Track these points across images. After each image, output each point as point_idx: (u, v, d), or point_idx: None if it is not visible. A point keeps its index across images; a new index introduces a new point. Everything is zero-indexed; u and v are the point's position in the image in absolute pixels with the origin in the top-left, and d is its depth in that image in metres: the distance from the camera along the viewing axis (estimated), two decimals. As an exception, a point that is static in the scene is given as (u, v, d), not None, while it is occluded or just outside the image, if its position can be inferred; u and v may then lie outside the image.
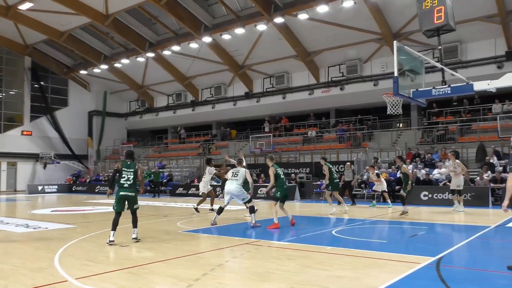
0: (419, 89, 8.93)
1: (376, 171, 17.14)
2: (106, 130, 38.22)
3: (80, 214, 14.73)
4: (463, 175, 14.16)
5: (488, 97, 22.07)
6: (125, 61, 31.36)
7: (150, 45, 29.86)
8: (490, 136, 20.64)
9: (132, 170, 8.28)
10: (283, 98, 29.00)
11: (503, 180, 16.16)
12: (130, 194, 8.24)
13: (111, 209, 14.52)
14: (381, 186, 16.65)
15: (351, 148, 24.61)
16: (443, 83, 8.75)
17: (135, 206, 8.35)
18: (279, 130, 29.96)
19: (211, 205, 14.80)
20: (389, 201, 16.37)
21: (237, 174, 10.80)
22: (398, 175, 19.37)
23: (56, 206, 19.04)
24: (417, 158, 20.53)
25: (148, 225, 10.98)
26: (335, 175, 14.37)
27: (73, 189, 32.00)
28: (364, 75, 25.62)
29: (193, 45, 27.22)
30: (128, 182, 8.22)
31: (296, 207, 17.39)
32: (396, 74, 8.48)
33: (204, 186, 14.68)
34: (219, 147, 31.79)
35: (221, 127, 34.55)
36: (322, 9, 21.64)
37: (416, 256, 6.63)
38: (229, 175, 11.01)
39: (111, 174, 9.21)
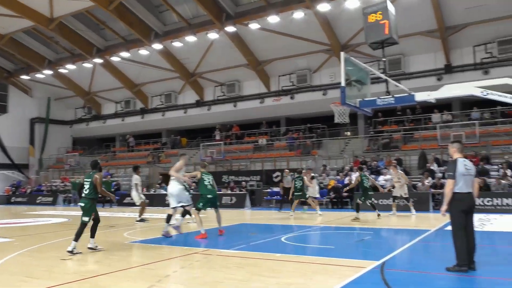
0: (365, 99, 9.27)
1: (312, 174, 17.60)
2: (50, 138, 36.52)
3: (18, 227, 13.91)
4: (406, 184, 15.06)
5: (428, 108, 23.21)
6: (71, 66, 30.30)
7: (98, 50, 29.01)
8: (431, 144, 21.71)
9: (90, 180, 8.14)
10: (234, 106, 29.07)
11: (443, 186, 17.01)
12: (81, 204, 8.15)
13: (53, 220, 13.88)
14: (313, 190, 16.70)
15: (301, 156, 25.01)
16: (387, 94, 9.13)
17: (82, 218, 8.06)
18: (230, 138, 29.97)
19: (139, 215, 14.33)
20: (317, 208, 15.86)
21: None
22: (345, 182, 19.95)
23: (-7, 218, 17.89)
24: (363, 166, 21.15)
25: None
26: (297, 185, 15.12)
27: (12, 201, 30.23)
28: (313, 85, 26.22)
29: (143, 51, 26.77)
30: (85, 192, 8.14)
31: (247, 215, 17.41)
32: (343, 84, 8.76)
33: (136, 195, 14.30)
34: (169, 155, 31.27)
35: (171, 135, 34.03)
36: (273, 19, 21.98)
37: (362, 261, 6.81)
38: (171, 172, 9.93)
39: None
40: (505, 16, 19.92)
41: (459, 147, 6.47)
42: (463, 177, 6.09)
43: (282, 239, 9.59)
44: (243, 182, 23.27)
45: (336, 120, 10.01)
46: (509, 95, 7.67)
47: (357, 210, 13.63)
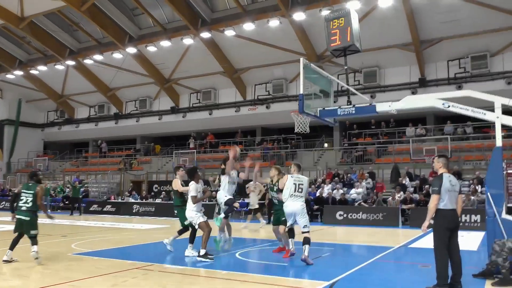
0: (326, 108, 8.88)
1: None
2: (20, 141, 35.31)
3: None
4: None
5: (402, 121, 23.14)
6: (42, 68, 29.38)
7: (71, 52, 28.24)
8: (404, 158, 21.50)
9: (32, 192, 7.71)
10: (210, 114, 28.53)
11: (412, 201, 16.76)
12: (24, 218, 7.64)
13: (8, 227, 13.07)
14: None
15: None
16: (349, 103, 8.77)
17: (31, 232, 7.62)
18: (205, 146, 29.40)
19: None
20: (260, 219, 15.66)
21: (302, 187, 8.00)
22: (317, 195, 19.55)
23: None
24: (336, 178, 20.82)
25: (39, 247, 9.85)
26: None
27: (-24, 205, 28.95)
28: (289, 95, 25.87)
29: (117, 55, 26.08)
30: (27, 205, 7.67)
31: (214, 226, 16.78)
32: (301, 91, 8.37)
33: None
34: (141, 163, 30.53)
35: (145, 142, 33.27)
36: (248, 26, 21.61)
37: (311, 281, 6.35)
38: (289, 187, 7.94)
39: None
40: (478, 32, 19.97)
41: (445, 162, 6.17)
42: (448, 193, 5.82)
43: (237, 254, 9.06)
44: (214, 192, 22.64)
45: (296, 130, 9.58)
46: (470, 108, 7.36)
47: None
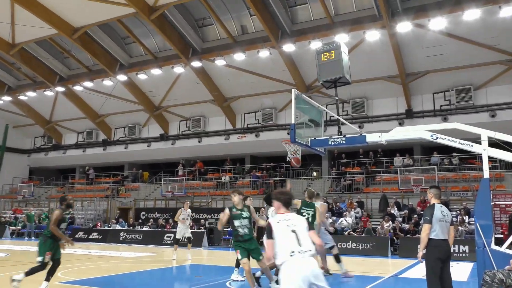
0: (316, 138, 9.04)
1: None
2: (5, 167, 34.57)
3: None
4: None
5: (390, 151, 23.46)
6: (31, 94, 29.31)
7: (61, 79, 28.31)
8: (392, 187, 21.70)
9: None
10: (199, 142, 28.58)
11: (402, 230, 16.85)
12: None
13: None
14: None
15: (264, 194, 24.52)
16: (339, 133, 8.95)
17: (37, 259, 7.41)
18: (193, 174, 29.32)
19: None
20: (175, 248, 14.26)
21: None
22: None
23: None
24: (325, 207, 20.85)
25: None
26: None
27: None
28: (279, 124, 26.11)
29: (107, 82, 26.20)
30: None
31: (203, 254, 16.66)
32: (293, 121, 8.51)
33: None
34: (129, 190, 30.24)
35: (133, 168, 33.04)
36: (239, 57, 21.99)
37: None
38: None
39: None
40: (462, 66, 20.60)
41: (437, 192, 6.37)
42: (439, 223, 5.96)
43: (227, 283, 8.98)
44: (202, 220, 22.50)
45: (288, 159, 9.72)
46: (457, 140, 7.57)
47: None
